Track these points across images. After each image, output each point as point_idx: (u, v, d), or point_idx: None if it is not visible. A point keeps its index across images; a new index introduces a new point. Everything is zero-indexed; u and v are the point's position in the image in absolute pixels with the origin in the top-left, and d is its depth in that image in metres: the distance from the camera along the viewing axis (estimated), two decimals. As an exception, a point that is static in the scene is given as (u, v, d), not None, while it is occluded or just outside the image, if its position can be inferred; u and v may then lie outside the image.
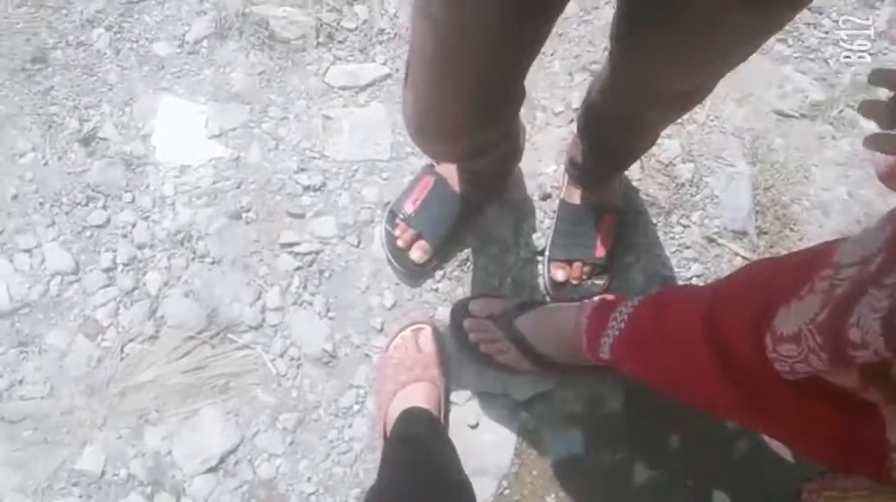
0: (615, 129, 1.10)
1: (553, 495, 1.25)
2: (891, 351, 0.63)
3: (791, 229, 1.43)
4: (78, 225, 1.34)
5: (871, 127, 1.48)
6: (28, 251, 1.32)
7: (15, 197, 1.35)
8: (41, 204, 1.35)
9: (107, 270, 1.31)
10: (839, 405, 0.77)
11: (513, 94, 0.88)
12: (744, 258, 1.39)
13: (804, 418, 0.81)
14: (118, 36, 1.45)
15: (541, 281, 1.35)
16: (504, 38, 0.75)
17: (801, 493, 1.06)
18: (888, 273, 0.66)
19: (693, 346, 0.90)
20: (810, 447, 0.85)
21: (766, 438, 1.26)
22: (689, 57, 0.79)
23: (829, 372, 0.72)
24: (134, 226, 1.34)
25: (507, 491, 1.25)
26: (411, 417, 1.16)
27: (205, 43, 1.45)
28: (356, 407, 1.28)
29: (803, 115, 1.50)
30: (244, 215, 1.35)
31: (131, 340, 1.28)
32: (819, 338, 0.69)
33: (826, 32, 1.57)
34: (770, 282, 0.83)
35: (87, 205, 1.35)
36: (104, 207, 1.35)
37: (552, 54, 1.48)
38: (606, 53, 1.06)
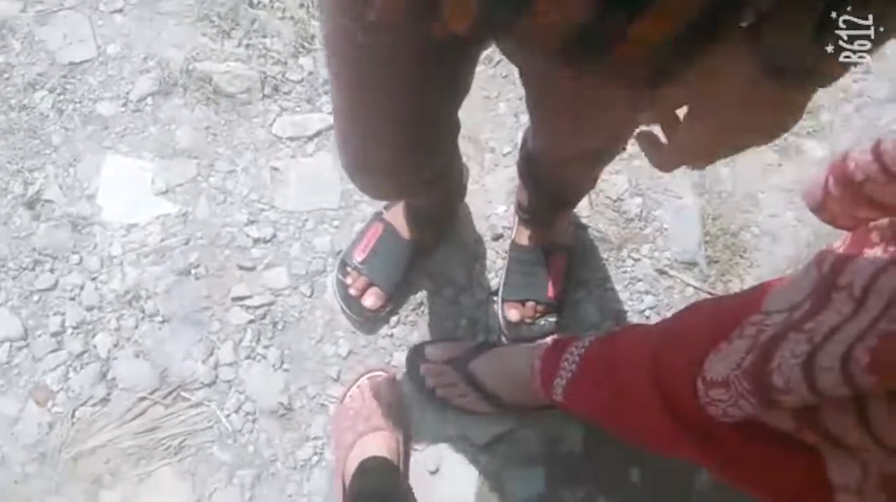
0: (549, 177, 1.12)
1: (517, 538, 1.24)
2: (815, 396, 0.63)
3: (741, 257, 1.44)
4: (25, 289, 1.32)
5: (815, 155, 1.51)
6: (-25, 318, 1.31)
7: (-40, 264, 1.34)
8: (-13, 270, 1.33)
9: (55, 334, 1.30)
10: (781, 447, 0.77)
11: (435, 135, 0.89)
12: (695, 288, 1.40)
13: (749, 460, 0.82)
14: (61, 97, 1.45)
15: (496, 321, 1.35)
16: (410, 97, 0.76)
17: None
18: (809, 318, 0.66)
19: (641, 391, 0.90)
20: (758, 490, 0.85)
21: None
22: (582, 122, 0.81)
23: (762, 415, 0.73)
24: (82, 288, 1.32)
25: (470, 537, 1.24)
26: (370, 469, 1.15)
27: (149, 100, 1.45)
28: (314, 460, 1.26)
29: (747, 144, 1.52)
30: (193, 271, 1.34)
31: (82, 404, 1.26)
32: (746, 383, 0.69)
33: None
34: (708, 327, 0.84)
35: (34, 268, 1.34)
36: (51, 270, 1.34)
37: (497, 96, 1.50)
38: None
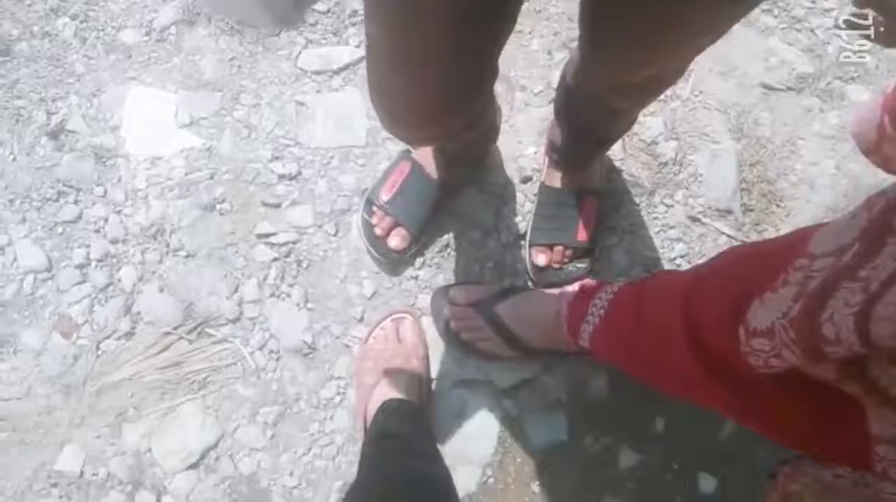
0: (590, 114, 1.07)
1: (538, 482, 1.24)
2: (866, 347, 0.60)
3: (777, 205, 1.40)
4: (49, 221, 1.31)
5: (859, 100, 1.45)
6: (0, 249, 1.30)
7: (-16, 194, 1.33)
8: (11, 200, 1.32)
9: (80, 267, 1.29)
10: (820, 396, 0.75)
11: (476, 81, 0.85)
12: (729, 237, 1.36)
13: (785, 410, 0.80)
14: (84, 25, 1.41)
15: (523, 265, 1.33)
16: (455, 37, 0.72)
17: (776, 475, 1.04)
18: (863, 265, 0.63)
19: (671, 337, 0.87)
20: (792, 439, 0.83)
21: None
22: (651, 43, 0.76)
23: (804, 366, 0.70)
24: (106, 220, 1.31)
25: (490, 480, 1.24)
26: (391, 410, 1.14)
27: (173, 30, 1.41)
28: (337, 399, 1.26)
29: (790, 88, 1.46)
30: (218, 206, 1.33)
31: (107, 337, 1.26)
32: (792, 333, 0.66)
33: (813, 2, 1.52)
34: (746, 272, 0.81)
35: (58, 200, 1.32)
36: (76, 202, 1.32)
37: (530, 32, 1.44)
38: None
